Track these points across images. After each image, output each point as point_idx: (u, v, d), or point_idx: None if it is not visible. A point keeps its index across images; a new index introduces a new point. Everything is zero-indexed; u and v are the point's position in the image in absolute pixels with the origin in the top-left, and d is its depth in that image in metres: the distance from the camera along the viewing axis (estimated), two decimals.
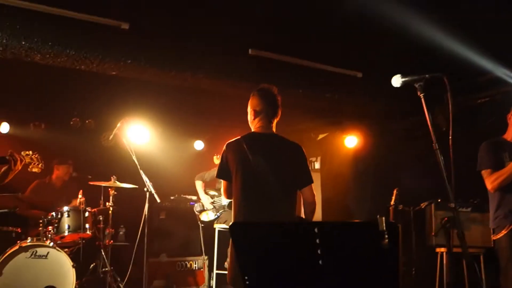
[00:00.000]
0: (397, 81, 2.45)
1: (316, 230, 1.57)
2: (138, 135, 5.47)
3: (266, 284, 1.77)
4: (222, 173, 3.09)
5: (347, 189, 6.95)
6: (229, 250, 3.08)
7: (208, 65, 4.58)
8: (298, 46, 4.67)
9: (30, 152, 3.06)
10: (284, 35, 4.41)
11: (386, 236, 1.42)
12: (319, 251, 1.60)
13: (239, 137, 3.11)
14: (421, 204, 4.62)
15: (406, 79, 2.41)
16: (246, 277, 1.76)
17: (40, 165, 3.11)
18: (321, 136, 7.41)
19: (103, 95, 5.48)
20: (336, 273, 1.60)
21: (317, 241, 1.59)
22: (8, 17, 3.70)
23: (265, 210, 2.91)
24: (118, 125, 5.04)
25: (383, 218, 1.43)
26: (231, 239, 2.73)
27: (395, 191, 4.78)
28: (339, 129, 6.87)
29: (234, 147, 3.07)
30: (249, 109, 3.18)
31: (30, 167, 3.06)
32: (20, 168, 2.87)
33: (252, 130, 3.16)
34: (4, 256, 3.95)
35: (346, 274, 1.60)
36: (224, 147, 3.11)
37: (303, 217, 3.08)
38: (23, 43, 3.78)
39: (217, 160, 5.54)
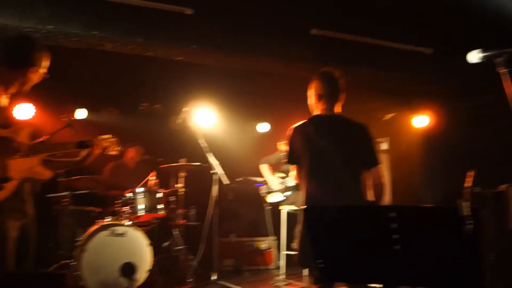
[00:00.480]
0: (475, 56, 2.29)
1: (392, 214, 1.54)
2: (205, 118, 5.59)
3: (339, 267, 1.77)
4: (292, 158, 3.05)
5: (417, 170, 6.70)
6: (297, 231, 3.08)
7: (271, 47, 4.57)
8: (362, 24, 4.52)
9: (110, 136, 3.17)
10: (347, 12, 4.28)
11: (468, 221, 1.37)
12: (394, 236, 1.57)
13: (305, 120, 3.09)
14: (500, 187, 4.35)
15: (486, 54, 2.25)
16: (319, 260, 1.77)
17: (117, 148, 3.21)
18: (388, 116, 7.18)
19: (170, 80, 5.64)
20: (413, 259, 1.56)
21: (393, 226, 1.56)
22: (81, 9, 3.92)
23: (334, 192, 2.87)
24: (185, 109, 5.18)
25: (465, 203, 1.37)
26: (302, 221, 2.73)
27: (471, 173, 4.53)
28: (407, 108, 6.62)
29: (300, 130, 3.05)
30: (311, 92, 3.12)
31: (108, 150, 3.17)
32: (99, 152, 3.01)
33: (316, 113, 3.12)
34: (87, 234, 4.24)
35: (423, 260, 1.55)
36: (291, 131, 3.08)
37: (373, 199, 3.01)
38: (95, 32, 3.99)
39: (282, 146, 5.53)
